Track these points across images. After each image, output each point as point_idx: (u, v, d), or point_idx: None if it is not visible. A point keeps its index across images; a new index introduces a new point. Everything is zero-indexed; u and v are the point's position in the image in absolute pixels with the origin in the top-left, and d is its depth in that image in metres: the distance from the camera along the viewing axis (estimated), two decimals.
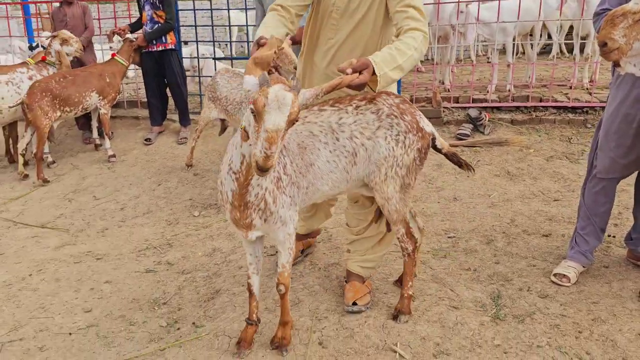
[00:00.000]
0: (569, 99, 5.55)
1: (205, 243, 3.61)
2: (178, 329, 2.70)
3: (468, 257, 3.19)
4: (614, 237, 3.35)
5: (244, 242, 2.37)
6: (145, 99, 6.08)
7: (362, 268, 2.82)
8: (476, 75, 6.88)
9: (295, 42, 3.24)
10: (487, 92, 5.94)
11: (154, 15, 5.54)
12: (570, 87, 5.96)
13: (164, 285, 3.12)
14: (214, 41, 6.53)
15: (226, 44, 10.34)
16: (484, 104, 5.66)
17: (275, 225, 2.18)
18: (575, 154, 4.87)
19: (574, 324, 2.54)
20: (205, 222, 3.95)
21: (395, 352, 2.40)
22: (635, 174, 2.96)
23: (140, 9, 5.64)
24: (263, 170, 1.77)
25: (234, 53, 9.57)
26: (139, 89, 7.00)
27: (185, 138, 5.77)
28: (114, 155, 5.36)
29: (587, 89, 5.94)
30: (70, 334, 2.70)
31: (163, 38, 5.58)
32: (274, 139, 1.75)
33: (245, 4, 6.31)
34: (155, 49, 5.60)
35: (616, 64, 2.26)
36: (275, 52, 2.06)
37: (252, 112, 1.81)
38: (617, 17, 2.17)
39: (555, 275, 2.92)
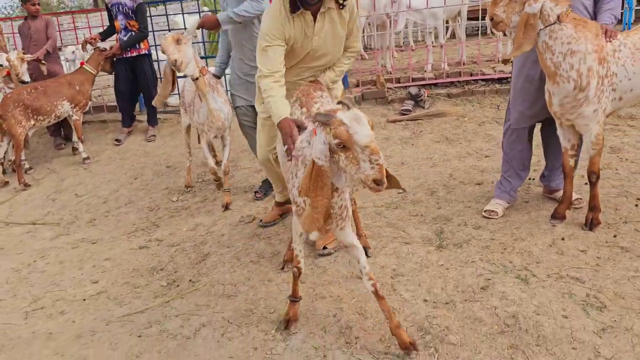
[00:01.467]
0: (495, 71, 6.27)
1: (187, 221, 4.08)
2: (177, 286, 3.18)
3: (415, 206, 3.79)
4: (533, 179, 4.02)
5: (300, 239, 2.55)
6: (111, 104, 6.44)
7: None
8: (415, 57, 7.54)
9: (204, 27, 3.86)
10: (425, 71, 6.59)
11: (128, 25, 5.88)
12: (499, 61, 6.68)
13: (157, 256, 3.58)
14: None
15: None
16: (422, 82, 6.31)
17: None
18: (502, 118, 5.55)
19: (500, 244, 3.17)
20: (184, 205, 4.42)
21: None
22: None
23: (112, 18, 5.96)
24: (381, 183, 1.89)
25: None
26: (100, 95, 7.34)
27: (153, 136, 6.18)
28: (88, 158, 5.72)
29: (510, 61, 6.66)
30: (84, 299, 3.14)
31: (137, 44, 5.95)
32: (376, 148, 1.86)
33: (199, 8, 6.75)
34: (129, 54, 5.96)
35: (504, 34, 2.90)
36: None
37: (340, 147, 1.90)
38: None
39: (485, 211, 3.55)
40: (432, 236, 3.36)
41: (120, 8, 5.83)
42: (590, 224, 3.22)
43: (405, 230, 3.46)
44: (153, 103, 4.26)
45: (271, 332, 2.62)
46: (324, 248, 3.25)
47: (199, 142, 4.76)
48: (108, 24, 6.07)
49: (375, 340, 2.49)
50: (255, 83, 3.87)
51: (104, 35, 6.05)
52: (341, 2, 2.90)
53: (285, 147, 2.46)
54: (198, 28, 3.87)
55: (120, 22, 5.89)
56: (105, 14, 6.35)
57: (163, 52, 3.73)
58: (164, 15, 6.78)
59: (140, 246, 3.76)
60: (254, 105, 4.07)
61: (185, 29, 6.71)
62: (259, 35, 2.89)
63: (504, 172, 3.67)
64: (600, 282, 2.72)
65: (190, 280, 3.21)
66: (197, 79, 3.83)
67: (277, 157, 3.30)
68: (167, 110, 6.88)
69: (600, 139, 3.10)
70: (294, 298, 2.67)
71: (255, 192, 4.32)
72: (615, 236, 3.12)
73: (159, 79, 6.68)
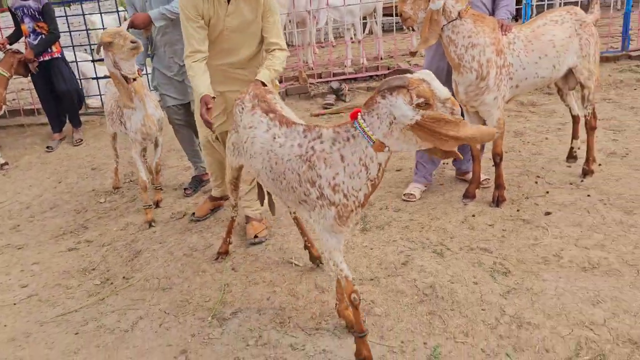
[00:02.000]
0: (410, 64, 6.62)
1: (117, 220, 4.08)
2: (111, 283, 3.21)
3: None
4: (446, 163, 4.35)
5: (339, 246, 2.28)
6: (28, 107, 6.21)
7: (255, 211, 3.51)
8: (335, 53, 7.79)
9: (134, 26, 3.80)
10: (345, 66, 6.84)
11: (36, 27, 5.67)
12: (410, 54, 7.05)
13: (88, 257, 3.57)
14: (90, 44, 6.78)
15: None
16: (343, 77, 6.56)
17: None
18: None
19: (419, 223, 3.44)
20: (113, 206, 4.39)
21: (292, 263, 3.13)
22: None
23: (17, 21, 5.72)
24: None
25: None
26: (15, 99, 7.04)
27: (80, 140, 6.02)
28: (6, 163, 5.51)
29: (423, 55, 7.05)
30: (14, 304, 3.10)
31: (49, 47, 5.74)
32: (455, 101, 1.92)
33: (116, 7, 6.63)
34: (42, 59, 5.73)
35: (413, 29, 3.16)
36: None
37: (422, 106, 1.86)
38: None
39: (404, 195, 3.82)
40: (357, 220, 3.57)
41: (26, 11, 5.60)
42: (497, 201, 3.56)
43: None
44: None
45: (207, 319, 2.73)
46: (255, 237, 3.39)
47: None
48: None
49: (307, 318, 2.66)
50: (185, 81, 3.99)
51: (12, 39, 5.80)
52: None
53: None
54: (129, 28, 3.74)
55: (27, 25, 5.65)
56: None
57: (98, 52, 3.65)
58: (80, 14, 6.61)
59: (69, 248, 3.72)
60: (184, 104, 4.16)
61: (104, 28, 6.59)
62: (180, 9, 3.10)
63: (419, 158, 3.95)
64: (505, 251, 3.04)
65: (124, 277, 3.25)
66: (134, 80, 3.64)
67: (216, 138, 3.50)
68: (88, 112, 6.73)
69: (502, 123, 3.43)
70: (361, 333, 2.31)
71: (185, 189, 4.37)
72: (518, 210, 3.47)
73: (79, 80, 6.54)
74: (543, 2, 7.12)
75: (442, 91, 1.89)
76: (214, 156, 3.61)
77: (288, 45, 9.33)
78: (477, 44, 3.22)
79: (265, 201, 3.00)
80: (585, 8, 3.98)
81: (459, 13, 3.16)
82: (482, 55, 3.23)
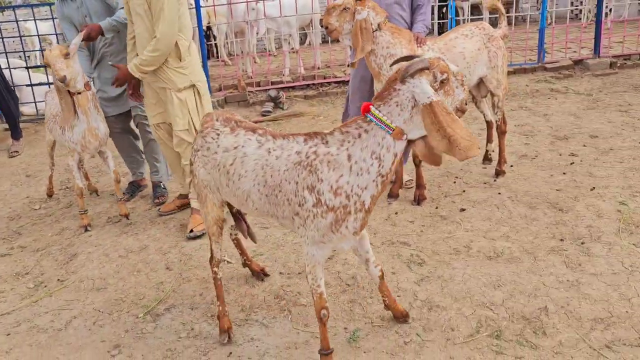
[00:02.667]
0: (346, 74, 6.93)
1: (53, 226, 4.10)
2: (45, 286, 3.26)
3: None
4: None
5: (323, 260, 2.26)
6: None
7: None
8: (274, 63, 8.01)
9: (89, 39, 3.81)
10: (283, 75, 7.07)
11: None
12: (348, 65, 7.37)
13: (22, 262, 3.60)
14: (24, 51, 6.70)
15: (36, 55, 10.19)
16: (281, 85, 6.77)
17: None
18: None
19: None
20: (48, 212, 4.40)
21: (225, 260, 3.29)
22: None
23: None
24: (467, 103, 2.11)
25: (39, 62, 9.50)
26: None
27: (16, 151, 5.89)
28: None
29: None
30: None
31: None
32: (462, 73, 2.10)
33: (52, 14, 6.59)
34: None
35: (338, 40, 3.41)
36: None
37: (444, 82, 1.96)
38: (330, 8, 3.33)
39: None
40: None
41: None
42: (418, 200, 3.85)
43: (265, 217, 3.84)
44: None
45: (141, 316, 2.85)
46: (191, 231, 3.54)
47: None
48: None
49: (237, 311, 2.83)
50: (124, 93, 4.12)
51: None
52: None
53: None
54: (84, 40, 3.69)
55: None
56: None
57: (48, 65, 3.56)
58: (13, 21, 6.53)
59: (1, 254, 3.73)
60: (122, 113, 4.24)
61: (38, 35, 6.54)
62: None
63: None
64: (422, 244, 3.31)
65: (58, 279, 3.30)
66: (79, 93, 3.62)
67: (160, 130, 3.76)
68: (23, 119, 6.63)
69: None
70: (326, 350, 2.34)
71: (123, 193, 4.43)
72: (437, 208, 3.77)
73: (14, 88, 6.44)
74: (467, 18, 7.61)
75: (452, 66, 2.01)
76: (167, 147, 3.79)
77: (229, 54, 9.56)
78: (394, 55, 3.49)
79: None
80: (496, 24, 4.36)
81: (378, 25, 3.43)
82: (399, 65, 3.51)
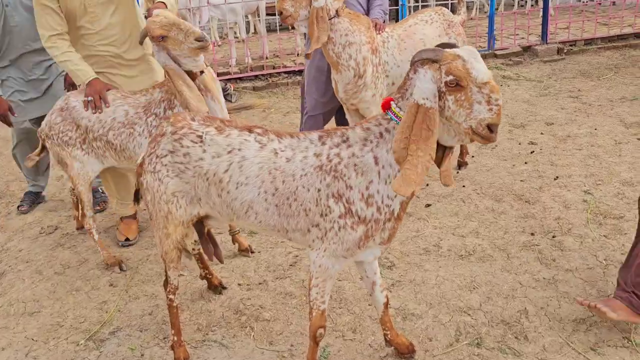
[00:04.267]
0: (295, 64, 6.64)
1: None
2: None
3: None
4: None
5: (336, 275, 2.07)
6: None
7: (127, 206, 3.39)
8: (220, 53, 7.62)
9: None
10: (230, 65, 6.71)
11: None
12: (305, 56, 7.09)
13: None
14: None
15: None
16: (228, 77, 6.42)
17: None
18: None
19: None
20: None
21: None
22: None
23: None
24: (496, 130, 1.62)
25: None
26: None
27: None
28: None
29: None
30: None
31: None
32: (496, 86, 1.61)
33: None
34: None
35: (292, 27, 3.13)
36: None
37: (451, 86, 1.61)
38: None
39: None
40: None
41: None
42: None
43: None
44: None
45: (82, 342, 2.51)
46: (127, 240, 3.27)
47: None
48: None
49: (193, 330, 2.54)
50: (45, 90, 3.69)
51: None
52: None
53: (89, 99, 2.80)
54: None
55: None
56: None
57: (141, 43, 2.86)
58: None
59: None
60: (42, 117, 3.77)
61: None
62: None
63: None
64: (390, 244, 3.11)
65: None
66: (202, 72, 2.85)
67: None
68: None
69: None
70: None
71: (19, 206, 3.93)
72: None
73: None
74: (418, 4, 7.48)
75: (482, 73, 1.59)
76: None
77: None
78: (353, 42, 3.25)
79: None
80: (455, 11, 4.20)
81: (336, 11, 3.18)
82: (358, 53, 3.28)
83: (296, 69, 6.53)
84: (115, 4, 3.02)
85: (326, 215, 1.85)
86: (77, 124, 2.93)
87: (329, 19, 3.13)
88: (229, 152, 1.96)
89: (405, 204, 1.87)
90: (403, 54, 3.48)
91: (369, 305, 2.60)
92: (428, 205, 3.52)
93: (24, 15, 3.48)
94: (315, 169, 1.84)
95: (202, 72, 2.75)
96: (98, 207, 3.83)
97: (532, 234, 3.10)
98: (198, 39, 2.59)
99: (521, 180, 3.79)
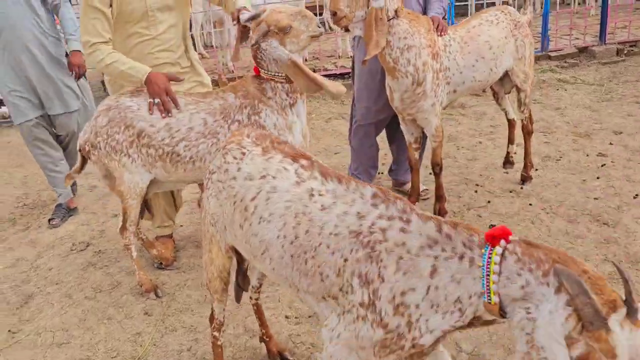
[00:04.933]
0: (336, 67, 6.33)
1: (5, 256, 3.44)
2: None
3: None
4: (382, 173, 4.06)
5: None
6: None
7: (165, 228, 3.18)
8: None
9: None
10: None
11: None
12: (338, 57, 6.78)
13: None
14: None
15: None
16: None
17: None
18: (348, 113, 5.61)
19: None
20: (1, 237, 3.73)
21: None
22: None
23: None
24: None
25: None
26: None
27: None
28: None
29: (350, 57, 6.79)
30: None
31: None
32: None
33: None
34: None
35: (346, 29, 2.82)
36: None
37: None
38: None
39: None
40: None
41: None
42: (438, 214, 3.30)
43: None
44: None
45: None
46: (161, 264, 3.05)
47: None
48: None
49: None
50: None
51: None
52: None
53: (156, 101, 2.51)
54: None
55: None
56: None
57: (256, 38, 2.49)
58: None
59: None
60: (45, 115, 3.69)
61: None
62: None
63: (354, 170, 3.64)
64: None
65: (9, 330, 2.67)
66: None
67: None
68: None
69: (440, 131, 3.17)
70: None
71: (50, 220, 3.73)
72: None
73: None
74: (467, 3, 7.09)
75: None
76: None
77: (206, 46, 8.86)
78: (412, 46, 2.92)
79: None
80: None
81: (395, 12, 2.85)
82: (417, 58, 2.94)
83: (337, 72, 6.22)
84: (174, 4, 2.78)
85: (346, 292, 1.46)
86: (127, 124, 2.56)
87: (388, 20, 2.81)
88: (262, 177, 1.67)
89: (438, 341, 1.42)
90: (466, 58, 3.13)
91: None
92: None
93: (14, 3, 3.39)
94: (350, 233, 1.45)
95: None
96: None
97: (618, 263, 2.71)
98: (319, 25, 2.51)
99: (595, 198, 3.39)
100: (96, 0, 2.57)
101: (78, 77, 3.70)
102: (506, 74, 3.41)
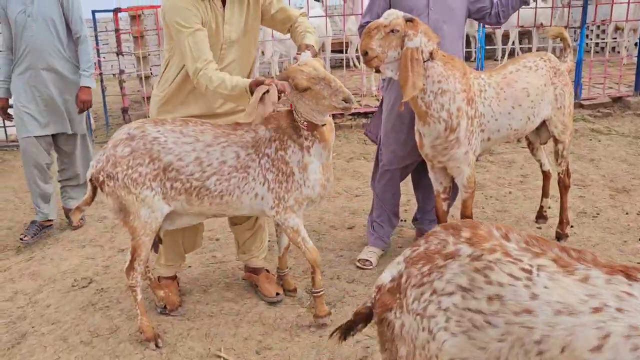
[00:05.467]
0: (361, 105, 6.18)
1: (4, 287, 3.26)
2: None
3: None
4: (404, 221, 3.83)
5: None
6: None
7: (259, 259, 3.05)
8: None
9: None
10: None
11: None
12: (362, 95, 6.65)
13: None
14: None
15: None
16: None
17: None
18: (371, 153, 5.43)
19: None
20: (2, 266, 3.56)
21: (220, 357, 2.46)
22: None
23: None
24: None
25: None
26: None
27: None
28: None
29: (374, 95, 6.67)
30: None
31: None
32: None
33: None
34: None
35: (377, 70, 2.65)
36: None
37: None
38: (372, 29, 2.56)
39: (359, 260, 3.25)
40: (303, 294, 2.97)
41: None
42: None
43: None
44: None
45: None
46: (277, 294, 2.91)
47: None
48: None
49: None
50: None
51: None
52: None
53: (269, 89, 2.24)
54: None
55: None
56: None
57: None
58: None
59: None
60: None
61: None
62: (173, 27, 2.46)
63: (377, 217, 3.41)
64: None
65: None
66: (323, 125, 2.74)
67: None
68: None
69: (472, 181, 2.96)
70: None
71: (21, 237, 3.78)
72: None
73: None
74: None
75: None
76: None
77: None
78: (447, 90, 2.74)
79: None
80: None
81: (430, 53, 2.68)
82: (452, 103, 2.76)
83: (361, 110, 6.07)
84: (241, 39, 2.66)
85: None
86: (153, 157, 2.40)
87: (423, 62, 2.63)
88: (595, 310, 1.18)
89: None
90: (502, 105, 2.94)
91: None
92: None
93: (43, 28, 3.62)
94: None
95: (323, 125, 2.49)
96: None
97: None
98: (346, 100, 2.31)
99: (638, 263, 3.11)
100: (194, 24, 2.44)
101: (80, 112, 3.83)
102: (543, 124, 3.21)
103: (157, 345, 2.53)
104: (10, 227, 4.17)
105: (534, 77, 3.05)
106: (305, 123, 2.44)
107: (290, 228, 2.57)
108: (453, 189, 3.15)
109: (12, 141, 6.05)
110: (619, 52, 8.40)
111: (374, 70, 2.71)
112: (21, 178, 5.09)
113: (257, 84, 2.30)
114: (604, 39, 9.17)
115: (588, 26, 7.09)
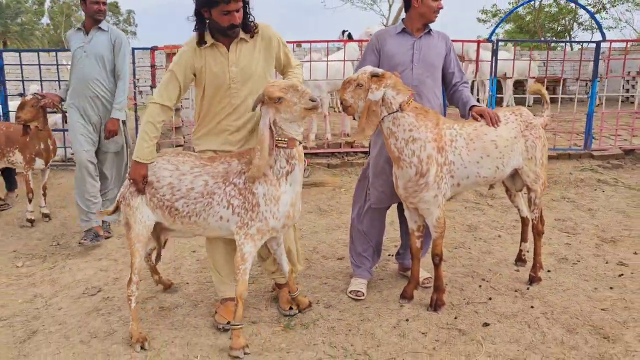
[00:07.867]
0: (365, 145, 6.52)
1: (26, 291, 3.71)
2: None
3: (271, 282, 3.70)
4: (390, 255, 4.10)
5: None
6: None
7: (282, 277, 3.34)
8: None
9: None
10: (308, 139, 6.72)
11: None
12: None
13: None
14: None
15: None
16: (305, 151, 6.40)
17: None
18: None
19: (347, 325, 3.14)
20: (29, 272, 4.03)
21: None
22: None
23: None
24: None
25: None
26: None
27: (6, 204, 5.55)
28: None
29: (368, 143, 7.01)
30: None
31: None
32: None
33: None
34: None
35: (354, 117, 3.00)
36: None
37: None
38: (346, 83, 2.94)
39: (351, 292, 3.51)
40: (281, 315, 3.28)
41: None
42: (435, 305, 3.29)
43: (257, 306, 3.36)
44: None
45: None
46: (290, 308, 3.27)
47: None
48: None
49: None
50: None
51: None
52: (252, 31, 3.00)
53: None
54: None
55: None
56: None
57: (254, 108, 2.83)
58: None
59: None
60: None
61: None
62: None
63: (363, 252, 3.67)
64: None
65: None
66: (300, 143, 3.03)
67: None
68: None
69: (442, 222, 3.22)
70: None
71: (80, 242, 4.39)
72: (456, 318, 3.20)
73: None
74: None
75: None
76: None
77: None
78: (417, 139, 3.05)
79: None
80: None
81: (400, 105, 3.02)
82: (422, 150, 3.07)
83: (368, 150, 6.39)
84: (254, 77, 3.04)
85: None
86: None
87: (392, 113, 2.97)
88: None
89: None
90: (471, 154, 3.21)
91: None
92: (486, 325, 3.11)
93: (93, 63, 4.42)
94: None
95: (300, 142, 2.80)
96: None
97: None
98: (312, 99, 2.67)
99: (602, 309, 3.27)
100: (175, 66, 2.97)
101: (106, 139, 4.50)
102: (516, 172, 3.46)
103: (142, 347, 2.88)
104: (41, 238, 4.68)
105: (504, 130, 3.32)
106: (286, 140, 2.73)
107: (241, 252, 2.80)
108: (427, 228, 3.41)
109: (62, 161, 6.65)
110: (632, 103, 8.47)
111: (352, 117, 3.07)
112: (59, 195, 5.65)
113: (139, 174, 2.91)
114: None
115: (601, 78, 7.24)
